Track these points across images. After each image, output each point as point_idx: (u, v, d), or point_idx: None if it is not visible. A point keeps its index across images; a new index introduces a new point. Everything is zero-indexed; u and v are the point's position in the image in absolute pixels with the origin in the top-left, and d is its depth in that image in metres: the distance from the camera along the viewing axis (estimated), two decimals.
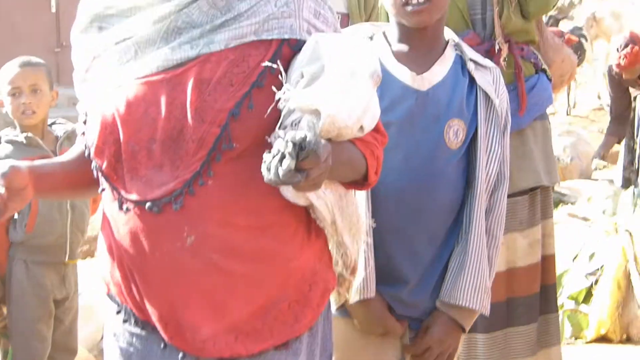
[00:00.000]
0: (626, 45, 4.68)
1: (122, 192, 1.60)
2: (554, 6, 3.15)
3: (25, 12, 10.78)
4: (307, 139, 1.34)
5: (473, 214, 2.08)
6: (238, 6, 1.56)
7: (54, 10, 11.15)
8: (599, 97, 8.88)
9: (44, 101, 3.48)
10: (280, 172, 1.31)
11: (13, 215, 3.32)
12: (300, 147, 1.33)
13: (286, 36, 1.57)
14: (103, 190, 1.66)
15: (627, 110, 5.97)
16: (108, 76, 1.60)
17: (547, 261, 2.92)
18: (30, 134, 3.42)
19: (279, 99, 1.47)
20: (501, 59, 2.78)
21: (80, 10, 1.68)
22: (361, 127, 1.53)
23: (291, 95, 1.46)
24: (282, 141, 1.34)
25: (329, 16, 1.68)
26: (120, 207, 1.60)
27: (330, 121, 1.43)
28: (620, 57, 5.19)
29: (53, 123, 3.64)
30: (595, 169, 6.81)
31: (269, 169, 1.34)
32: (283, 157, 1.32)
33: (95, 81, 1.63)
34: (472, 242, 2.15)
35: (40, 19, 10.85)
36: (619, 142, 6.41)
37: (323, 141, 1.38)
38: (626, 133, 6.64)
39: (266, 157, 1.35)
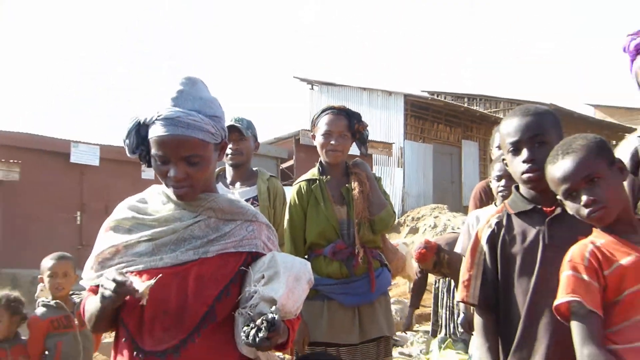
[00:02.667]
0: (419, 247, 4.67)
1: (139, 344, 1.73)
2: (391, 226, 3.33)
3: (60, 225, 12.47)
4: (276, 319, 1.58)
5: None
6: (223, 228, 1.80)
7: (78, 223, 13.04)
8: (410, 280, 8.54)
9: (70, 282, 3.67)
10: (257, 340, 1.55)
11: (44, 351, 3.54)
12: (271, 324, 1.56)
13: (254, 250, 1.80)
14: (123, 339, 1.76)
15: (422, 287, 6.12)
16: (132, 262, 1.77)
17: None
18: (59, 301, 3.61)
19: (247, 289, 1.70)
20: (359, 258, 3.05)
21: (114, 217, 1.85)
22: (295, 313, 1.73)
23: (257, 289, 1.67)
24: (257, 318, 1.61)
25: (274, 240, 1.92)
26: (135, 354, 1.73)
27: (281, 308, 1.62)
28: (414, 255, 5.01)
29: (72, 294, 3.75)
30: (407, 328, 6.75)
31: (247, 337, 1.56)
32: (259, 330, 1.56)
33: (123, 262, 1.77)
34: None
35: (69, 228, 12.61)
36: (417, 309, 6.50)
37: (277, 327, 1.59)
38: (426, 303, 7.01)
39: (246, 329, 1.58)
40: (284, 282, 1.68)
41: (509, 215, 2.03)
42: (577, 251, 1.78)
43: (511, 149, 1.99)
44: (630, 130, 23.61)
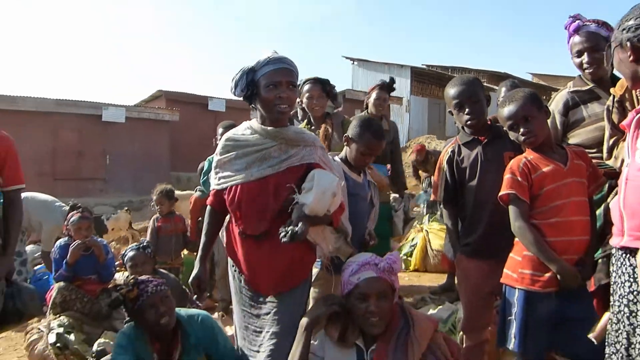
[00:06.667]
0: (417, 145, 5.11)
1: (242, 228, 1.89)
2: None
3: None
4: (297, 231, 1.68)
5: None
6: (290, 151, 1.86)
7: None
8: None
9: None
10: (283, 240, 1.68)
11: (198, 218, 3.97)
12: (293, 234, 1.69)
13: (312, 161, 1.86)
14: (234, 225, 1.92)
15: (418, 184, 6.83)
16: (231, 177, 1.90)
17: None
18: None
19: (293, 196, 1.80)
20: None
21: (219, 147, 1.96)
22: (328, 210, 1.82)
23: (297, 197, 1.78)
24: (291, 223, 1.70)
25: (325, 158, 1.97)
26: (242, 235, 1.90)
27: (310, 210, 1.74)
28: (414, 149, 5.99)
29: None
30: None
31: (280, 236, 1.69)
32: (285, 235, 1.68)
33: (224, 177, 1.93)
34: None
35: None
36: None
37: (302, 227, 1.70)
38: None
39: (280, 229, 1.71)
40: (313, 194, 1.78)
41: (459, 145, 2.32)
42: (515, 162, 2.00)
43: (456, 107, 2.25)
44: (555, 89, 23.86)
